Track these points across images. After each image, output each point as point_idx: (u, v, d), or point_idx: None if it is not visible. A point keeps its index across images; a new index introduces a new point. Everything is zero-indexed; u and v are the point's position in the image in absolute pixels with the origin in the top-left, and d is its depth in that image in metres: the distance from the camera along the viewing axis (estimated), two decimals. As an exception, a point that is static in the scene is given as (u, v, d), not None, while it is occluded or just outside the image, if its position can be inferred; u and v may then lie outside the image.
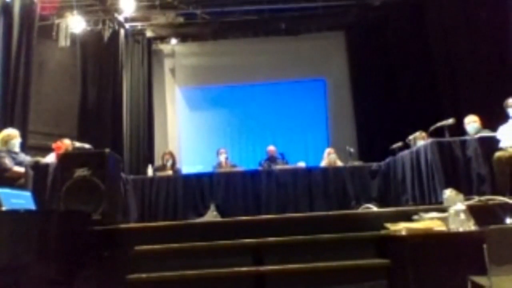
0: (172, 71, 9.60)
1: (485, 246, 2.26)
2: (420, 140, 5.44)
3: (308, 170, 6.18)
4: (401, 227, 2.99)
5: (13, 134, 4.98)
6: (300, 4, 8.46)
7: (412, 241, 2.81)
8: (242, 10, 8.59)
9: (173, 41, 9.49)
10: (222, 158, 6.74)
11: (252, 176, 6.11)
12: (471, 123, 5.23)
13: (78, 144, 5.24)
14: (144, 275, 3.14)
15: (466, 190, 4.03)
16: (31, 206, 3.26)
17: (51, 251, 2.82)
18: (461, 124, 5.31)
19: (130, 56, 8.84)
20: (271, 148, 7.14)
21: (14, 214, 2.83)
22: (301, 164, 6.50)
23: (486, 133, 4.91)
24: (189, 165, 8.50)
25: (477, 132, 5.07)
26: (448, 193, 3.54)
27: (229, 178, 6.04)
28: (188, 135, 9.27)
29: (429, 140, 4.85)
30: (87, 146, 5.09)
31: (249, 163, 8.08)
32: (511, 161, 4.28)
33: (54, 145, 5.48)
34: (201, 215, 5.68)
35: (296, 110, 9.13)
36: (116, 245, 3.41)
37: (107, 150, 4.10)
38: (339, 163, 6.55)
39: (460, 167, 4.59)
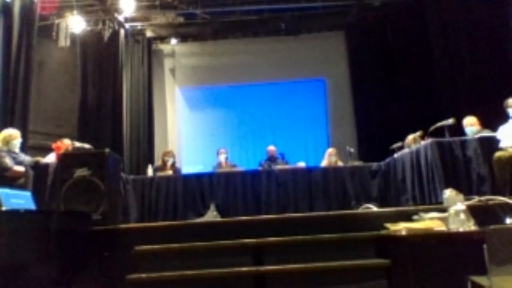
0: (172, 71, 9.60)
1: (485, 246, 2.26)
2: (418, 142, 5.42)
3: (308, 170, 6.19)
4: (401, 227, 2.98)
5: (14, 135, 4.98)
6: (300, 4, 8.46)
7: (412, 241, 2.81)
8: (242, 10, 8.60)
9: (173, 41, 9.50)
10: (222, 158, 6.75)
11: (252, 176, 6.11)
12: (468, 126, 5.23)
13: (78, 144, 5.22)
14: (144, 275, 3.14)
15: (466, 190, 4.04)
16: (31, 206, 3.25)
17: (51, 251, 2.82)
18: (461, 124, 5.30)
19: (130, 56, 8.84)
20: (271, 148, 7.14)
21: (14, 214, 2.82)
22: (301, 164, 6.51)
23: (486, 134, 4.91)
24: (189, 165, 8.51)
25: (475, 134, 5.05)
26: (448, 193, 3.53)
27: (229, 178, 6.04)
28: (188, 135, 9.28)
29: (429, 140, 4.85)
30: (87, 146, 5.08)
31: (249, 163, 8.09)
32: (511, 161, 4.29)
33: (54, 145, 5.49)
34: (201, 215, 5.68)
35: (296, 110, 9.13)
36: (116, 245, 3.40)
37: (107, 150, 4.09)
38: (340, 164, 6.55)
39: (460, 167, 4.60)
